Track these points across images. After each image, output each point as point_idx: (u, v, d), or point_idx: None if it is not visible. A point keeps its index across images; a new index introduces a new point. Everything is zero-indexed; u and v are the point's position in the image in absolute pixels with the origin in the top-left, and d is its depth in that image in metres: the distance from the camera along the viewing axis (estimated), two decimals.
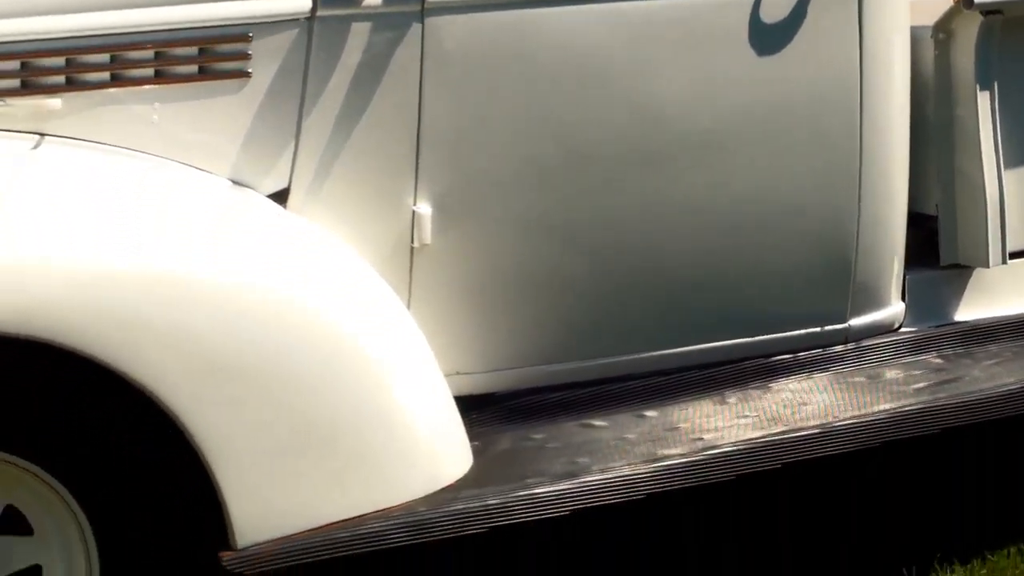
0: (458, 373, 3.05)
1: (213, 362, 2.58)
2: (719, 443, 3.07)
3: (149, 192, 2.75)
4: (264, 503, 2.66)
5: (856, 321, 3.38)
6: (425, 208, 2.98)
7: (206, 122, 2.87)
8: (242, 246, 2.72)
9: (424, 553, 2.95)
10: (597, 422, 3.15)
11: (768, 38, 3.16)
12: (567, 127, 3.07)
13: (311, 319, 2.69)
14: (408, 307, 2.97)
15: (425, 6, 2.90)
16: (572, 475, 2.93)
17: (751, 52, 3.16)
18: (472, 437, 2.96)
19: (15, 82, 2.75)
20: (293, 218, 2.88)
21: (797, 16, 3.18)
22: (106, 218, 2.62)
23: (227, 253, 2.67)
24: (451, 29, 2.95)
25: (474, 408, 3.03)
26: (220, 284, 2.62)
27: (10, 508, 2.65)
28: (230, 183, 2.88)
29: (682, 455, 3.01)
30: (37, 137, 2.78)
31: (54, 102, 2.77)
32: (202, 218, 2.75)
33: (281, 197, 2.92)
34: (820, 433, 3.12)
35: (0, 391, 2.52)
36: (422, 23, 2.92)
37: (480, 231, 3.05)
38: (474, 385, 3.10)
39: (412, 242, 2.99)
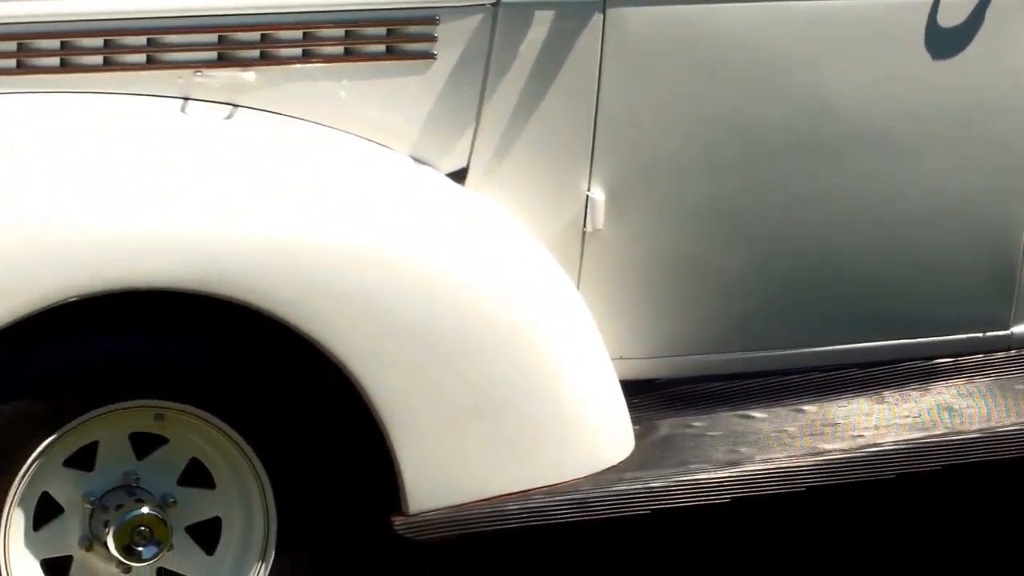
0: (621, 358, 3.09)
1: (396, 331, 2.66)
2: (880, 441, 3.08)
3: (337, 167, 2.83)
4: (436, 471, 2.72)
5: (1019, 328, 3.37)
6: (599, 194, 3.04)
7: (391, 101, 2.95)
8: (425, 222, 2.78)
9: (580, 532, 2.99)
10: (756, 413, 3.18)
11: (945, 41, 3.17)
12: (740, 120, 3.10)
13: (490, 296, 2.76)
14: (577, 290, 3.02)
15: None
16: (734, 463, 2.96)
17: (926, 54, 3.17)
18: (633, 421, 3.00)
19: (212, 54, 2.84)
20: (473, 197, 2.94)
21: (975, 21, 3.18)
22: (297, 190, 2.69)
23: (412, 228, 2.74)
24: (631, 20, 3.00)
25: (635, 393, 3.07)
26: (406, 258, 2.69)
27: (195, 461, 2.74)
28: (412, 160, 2.95)
29: (844, 451, 3.03)
30: (230, 108, 2.87)
31: (248, 75, 2.87)
32: (388, 194, 2.82)
33: (459, 177, 2.99)
34: (982, 438, 3.11)
35: (193, 348, 2.60)
36: (603, 13, 2.98)
37: (651, 219, 3.09)
38: (636, 370, 3.14)
39: (584, 226, 3.04)
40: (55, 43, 2.74)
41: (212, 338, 2.61)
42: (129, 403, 2.60)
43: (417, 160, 2.96)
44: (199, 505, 2.76)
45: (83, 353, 2.54)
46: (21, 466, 2.54)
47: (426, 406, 2.69)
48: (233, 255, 2.55)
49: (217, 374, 2.62)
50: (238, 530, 2.77)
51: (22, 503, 2.60)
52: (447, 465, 2.73)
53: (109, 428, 2.64)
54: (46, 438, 2.55)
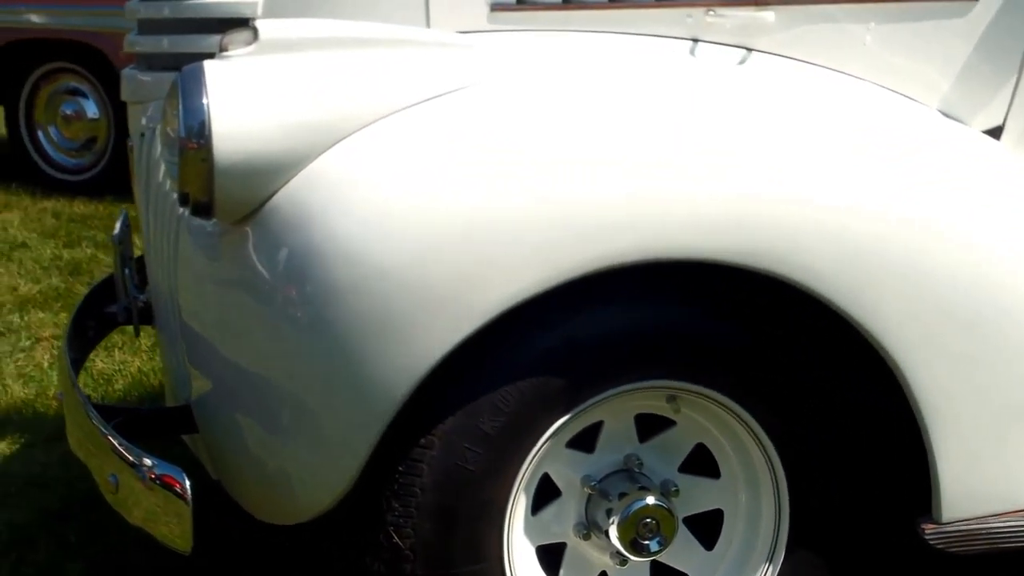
0: None
1: (945, 315, 2.31)
2: None
3: (869, 124, 2.49)
4: (977, 476, 2.39)
5: None
6: None
7: (920, 48, 2.61)
8: (972, 190, 2.42)
9: None
10: None
11: None
12: None
13: None
14: None
15: None
16: None
17: None
18: None
19: None
20: (1016, 159, 2.58)
21: None
22: (831, 152, 2.35)
23: (959, 197, 2.39)
24: None
25: None
26: (956, 232, 2.34)
27: (700, 448, 2.46)
28: (943, 117, 2.60)
29: None
30: (743, 52, 2.57)
31: (767, 15, 2.56)
32: (927, 156, 2.46)
33: (993, 135, 2.62)
34: None
35: (725, 326, 2.31)
36: None
37: None
38: None
39: None
40: None
41: (743, 315, 2.31)
42: (650, 383, 2.32)
43: (948, 116, 2.60)
44: (700, 495, 2.49)
45: (610, 328, 2.26)
46: (533, 447, 2.30)
47: (973, 403, 2.35)
48: (768, 224, 2.23)
49: (747, 355, 2.32)
50: (742, 525, 2.49)
51: (527, 485, 2.36)
52: (989, 470, 2.39)
53: (617, 408, 2.38)
54: (560, 417, 2.30)
